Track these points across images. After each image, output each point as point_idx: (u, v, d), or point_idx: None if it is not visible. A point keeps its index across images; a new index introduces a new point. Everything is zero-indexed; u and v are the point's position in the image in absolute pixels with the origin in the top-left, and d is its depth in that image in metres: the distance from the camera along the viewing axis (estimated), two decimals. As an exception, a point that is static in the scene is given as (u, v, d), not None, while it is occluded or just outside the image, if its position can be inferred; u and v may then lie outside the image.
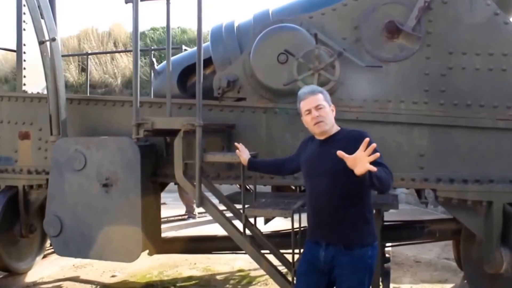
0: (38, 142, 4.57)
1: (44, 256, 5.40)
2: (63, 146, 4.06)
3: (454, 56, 3.77)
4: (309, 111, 2.59)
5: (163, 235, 4.81)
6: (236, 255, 5.06)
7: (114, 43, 15.80)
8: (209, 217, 4.81)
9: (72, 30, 27.08)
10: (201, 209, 4.66)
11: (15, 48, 4.98)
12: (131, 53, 4.65)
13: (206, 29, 7.29)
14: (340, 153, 2.25)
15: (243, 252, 3.78)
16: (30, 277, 5.04)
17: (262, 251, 3.67)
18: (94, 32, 16.05)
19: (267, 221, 3.75)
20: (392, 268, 4.84)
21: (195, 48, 3.87)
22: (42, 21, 4.26)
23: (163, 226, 7.29)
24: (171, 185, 4.71)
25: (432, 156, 3.79)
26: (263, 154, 3.84)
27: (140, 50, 3.87)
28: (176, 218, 8.25)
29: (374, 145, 2.20)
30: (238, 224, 3.70)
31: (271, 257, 3.72)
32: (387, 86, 3.85)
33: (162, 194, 4.56)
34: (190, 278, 5.21)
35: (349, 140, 2.50)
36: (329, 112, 2.61)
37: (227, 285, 5.00)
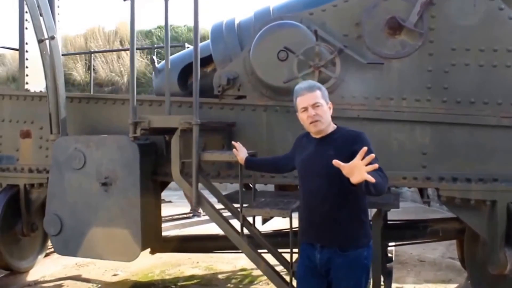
0: (39, 140, 4.57)
1: (46, 255, 5.40)
2: (63, 145, 4.05)
3: (457, 52, 3.70)
4: (306, 109, 2.51)
5: (166, 233, 4.78)
6: (238, 254, 5.00)
7: (121, 42, 15.80)
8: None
9: (79, 29, 27.26)
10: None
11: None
12: (136, 51, 4.63)
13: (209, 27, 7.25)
14: (336, 162, 2.16)
15: (245, 251, 3.74)
16: (32, 276, 5.04)
17: (261, 251, 3.63)
18: (100, 31, 16.09)
19: (265, 221, 3.70)
20: (395, 267, 4.78)
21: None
22: (41, 19, 4.25)
23: (167, 224, 7.34)
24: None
25: (434, 154, 3.72)
26: (264, 152, 3.80)
27: (143, 48, 3.85)
28: (181, 216, 8.26)
29: (372, 155, 2.10)
30: (237, 224, 3.66)
31: (270, 257, 3.68)
32: (389, 83, 3.79)
33: (168, 192, 4.52)
34: (192, 277, 5.20)
35: (345, 140, 2.44)
36: (326, 110, 2.52)
37: (229, 284, 4.98)
